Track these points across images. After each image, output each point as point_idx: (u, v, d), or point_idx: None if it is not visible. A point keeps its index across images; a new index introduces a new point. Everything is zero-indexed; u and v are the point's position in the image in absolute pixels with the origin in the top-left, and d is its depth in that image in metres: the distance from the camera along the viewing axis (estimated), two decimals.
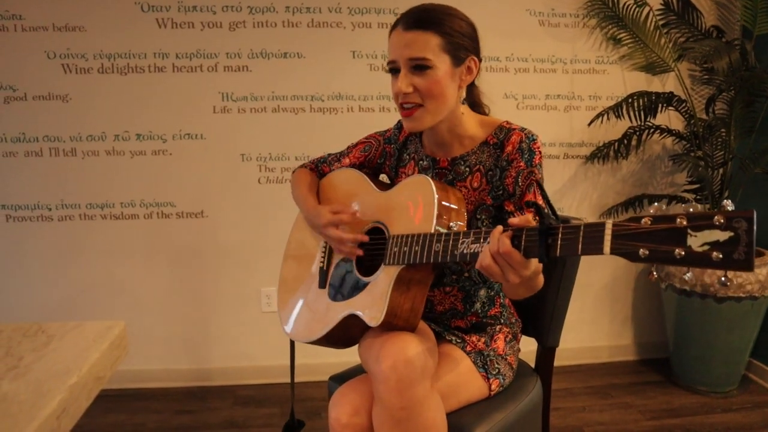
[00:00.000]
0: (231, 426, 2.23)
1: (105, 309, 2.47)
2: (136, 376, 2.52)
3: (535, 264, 0.95)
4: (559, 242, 0.86)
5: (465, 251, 1.02)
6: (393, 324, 1.14)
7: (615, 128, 2.57)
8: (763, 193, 2.52)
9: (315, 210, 1.33)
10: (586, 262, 2.44)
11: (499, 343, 1.28)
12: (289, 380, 2.51)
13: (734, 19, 2.62)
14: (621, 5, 2.49)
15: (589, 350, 2.77)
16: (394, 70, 1.20)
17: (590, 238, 0.82)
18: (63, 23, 2.31)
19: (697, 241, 0.72)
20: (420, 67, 1.16)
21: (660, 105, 2.48)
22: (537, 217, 0.89)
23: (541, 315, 1.39)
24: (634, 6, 2.48)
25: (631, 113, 2.46)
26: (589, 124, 2.58)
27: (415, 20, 1.17)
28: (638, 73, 2.61)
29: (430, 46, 1.15)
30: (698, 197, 2.56)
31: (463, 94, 1.24)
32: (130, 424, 2.24)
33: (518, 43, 2.54)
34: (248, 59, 2.40)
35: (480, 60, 1.24)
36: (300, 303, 1.39)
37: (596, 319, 2.78)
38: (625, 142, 2.55)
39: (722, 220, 0.70)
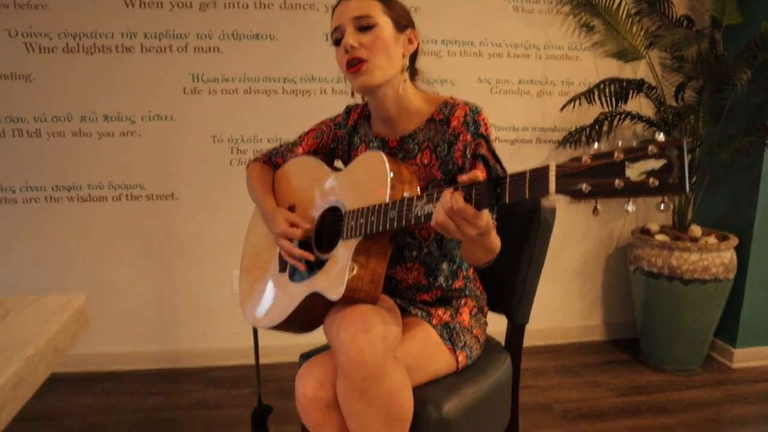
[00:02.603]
0: (203, 407, 2.22)
1: (72, 292, 2.42)
2: (105, 359, 2.49)
3: (487, 216, 0.98)
4: (507, 190, 0.89)
5: (419, 213, 1.04)
6: (354, 297, 1.14)
7: (587, 114, 2.60)
8: (729, 179, 2.58)
9: (272, 213, 1.34)
10: (556, 242, 2.48)
11: (465, 316, 1.30)
12: (261, 362, 2.52)
13: (704, 9, 2.66)
14: None
15: (560, 330, 2.82)
16: (338, 40, 1.23)
17: (536, 181, 0.85)
18: (25, 0, 2.24)
19: (634, 171, 0.76)
20: (365, 27, 1.20)
21: (631, 91, 2.51)
22: (485, 169, 0.91)
23: (511, 291, 1.41)
24: None
25: (603, 99, 2.49)
26: (562, 109, 2.60)
27: None
28: (610, 60, 2.64)
29: (373, 7, 1.21)
30: None
31: (407, 63, 1.27)
32: (100, 407, 2.21)
33: (492, 28, 2.54)
34: (219, 40, 2.36)
35: (418, 37, 1.28)
36: (262, 290, 1.39)
37: (567, 300, 2.82)
38: (597, 127, 2.58)
39: (655, 150, 0.73)
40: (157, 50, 2.34)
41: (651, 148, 0.74)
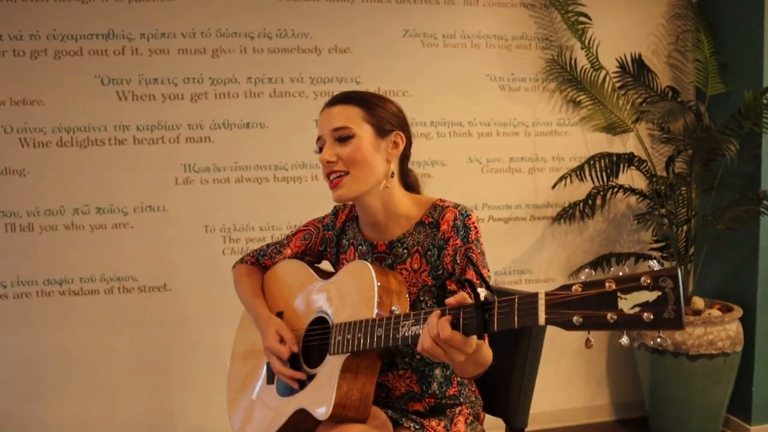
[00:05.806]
0: None
1: (62, 389, 2.35)
2: None
3: (476, 339, 0.95)
4: (495, 317, 0.87)
5: (407, 334, 1.01)
6: (343, 415, 1.09)
7: (579, 188, 2.59)
8: (727, 249, 2.55)
9: (265, 322, 1.31)
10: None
11: (460, 426, 1.23)
12: None
13: (688, 80, 2.71)
14: (578, 69, 2.56)
15: (565, 413, 2.72)
16: (321, 148, 1.24)
17: (525, 310, 0.83)
18: (20, 97, 2.28)
19: (627, 303, 0.73)
20: (343, 138, 1.20)
21: (621, 165, 2.52)
22: (471, 294, 0.89)
23: (508, 394, 1.35)
24: (591, 70, 2.55)
25: (594, 175, 2.49)
26: (553, 188, 2.59)
27: (339, 98, 1.25)
28: (599, 134, 2.66)
29: (351, 116, 1.21)
30: (665, 255, 2.57)
31: (392, 168, 1.24)
32: None
33: (480, 107, 2.57)
34: (210, 130, 2.39)
35: (408, 137, 1.27)
36: (249, 402, 1.34)
37: (571, 381, 2.73)
38: (590, 202, 2.57)
39: (649, 281, 0.71)
40: (149, 142, 2.37)
41: (644, 279, 0.72)
